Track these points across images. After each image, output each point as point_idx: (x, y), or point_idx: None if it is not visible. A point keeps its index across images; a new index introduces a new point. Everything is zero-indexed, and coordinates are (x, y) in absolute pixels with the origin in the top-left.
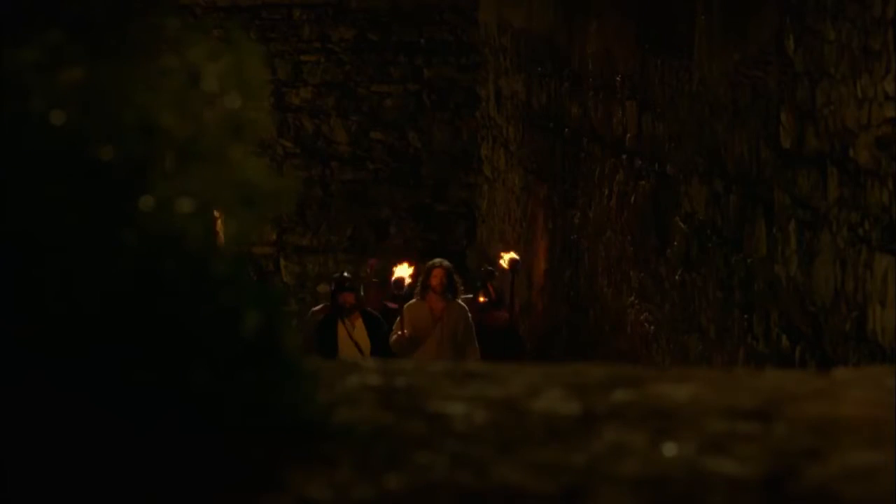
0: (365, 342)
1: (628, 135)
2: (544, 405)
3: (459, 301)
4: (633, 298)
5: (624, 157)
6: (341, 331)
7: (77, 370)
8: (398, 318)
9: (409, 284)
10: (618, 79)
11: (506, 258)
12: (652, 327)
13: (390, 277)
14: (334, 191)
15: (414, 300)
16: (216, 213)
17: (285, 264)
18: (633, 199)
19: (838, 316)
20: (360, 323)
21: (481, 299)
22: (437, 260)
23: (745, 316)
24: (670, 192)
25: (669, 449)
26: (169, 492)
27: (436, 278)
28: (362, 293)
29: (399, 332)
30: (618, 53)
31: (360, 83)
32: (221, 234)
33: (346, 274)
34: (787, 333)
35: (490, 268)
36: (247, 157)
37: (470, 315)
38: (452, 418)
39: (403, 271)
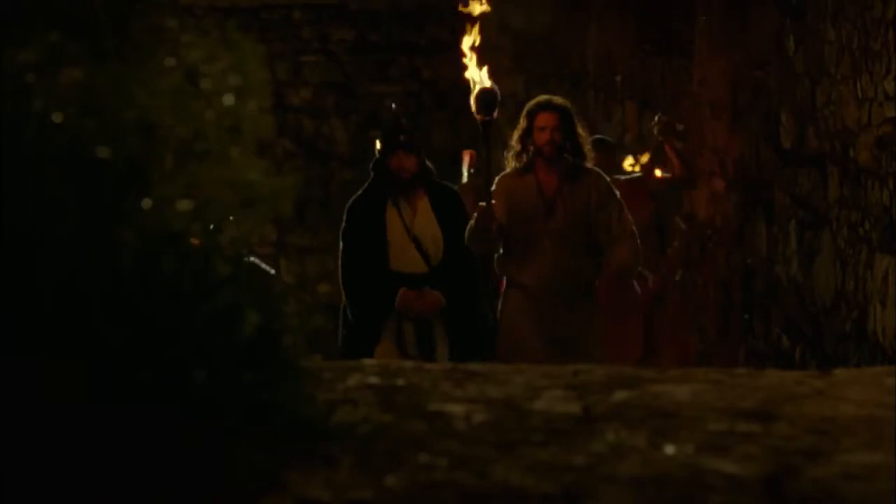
0: (434, 236)
1: (628, 135)
2: (544, 405)
3: (593, 167)
4: None
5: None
6: (392, 218)
7: (77, 370)
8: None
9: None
10: (618, 79)
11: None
12: None
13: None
14: (334, 191)
15: (508, 170)
16: None
17: (285, 264)
18: None
19: (838, 316)
20: (424, 205)
21: (658, 173)
22: (542, 98)
23: (745, 316)
24: (670, 192)
25: (669, 449)
26: (169, 492)
27: (544, 132)
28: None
29: (482, 208)
30: (618, 53)
31: (360, 83)
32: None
33: (402, 120)
34: (787, 333)
35: (668, 119)
36: (246, 157)
37: (616, 190)
38: (452, 418)
39: (477, 75)
